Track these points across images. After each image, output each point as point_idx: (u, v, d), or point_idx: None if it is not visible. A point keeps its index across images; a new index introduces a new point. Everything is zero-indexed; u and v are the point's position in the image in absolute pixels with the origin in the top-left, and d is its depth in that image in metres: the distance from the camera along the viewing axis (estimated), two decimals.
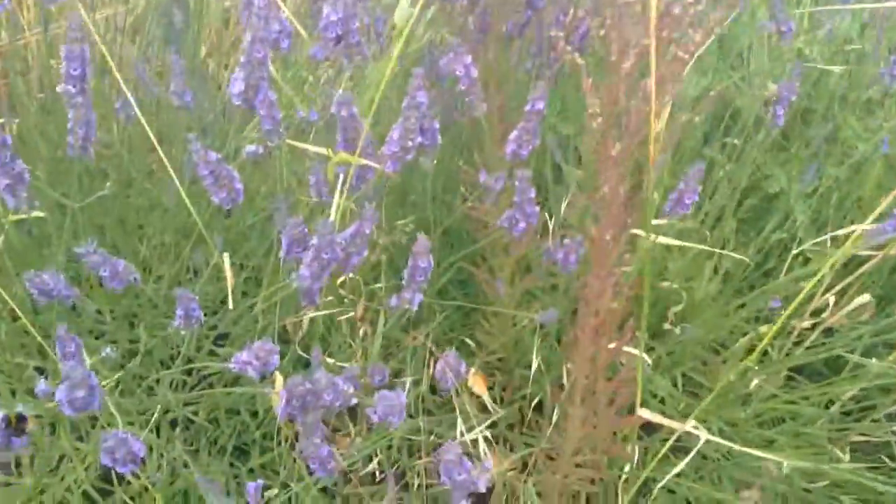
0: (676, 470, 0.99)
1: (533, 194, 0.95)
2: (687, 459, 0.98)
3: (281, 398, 0.72)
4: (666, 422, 0.91)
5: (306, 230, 0.84)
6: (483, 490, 0.62)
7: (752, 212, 1.36)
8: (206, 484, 0.91)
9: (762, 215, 1.36)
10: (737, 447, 1.01)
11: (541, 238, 1.20)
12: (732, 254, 1.21)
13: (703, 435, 0.95)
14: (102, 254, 0.89)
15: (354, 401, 0.73)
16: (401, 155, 0.92)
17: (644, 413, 0.91)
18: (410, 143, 0.91)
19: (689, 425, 0.94)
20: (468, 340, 1.26)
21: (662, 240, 0.89)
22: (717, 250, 1.22)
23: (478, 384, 0.95)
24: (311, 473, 0.79)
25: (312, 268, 0.78)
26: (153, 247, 1.27)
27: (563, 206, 1.07)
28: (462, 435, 0.90)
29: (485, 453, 0.77)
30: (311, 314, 0.99)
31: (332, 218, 0.88)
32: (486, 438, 1.07)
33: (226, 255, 0.93)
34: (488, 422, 1.04)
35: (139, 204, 1.31)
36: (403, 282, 0.89)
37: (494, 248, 1.12)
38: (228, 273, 0.90)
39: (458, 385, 0.88)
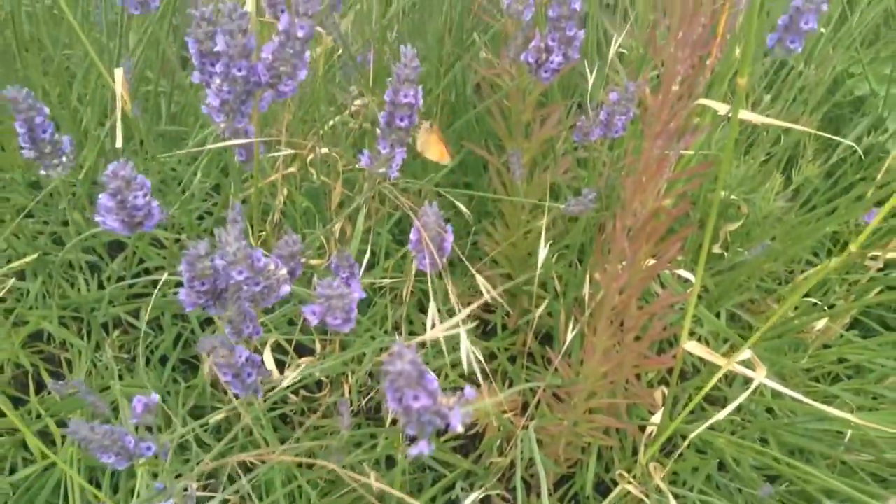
0: (714, 420, 0.75)
1: (578, 4, 0.68)
2: (733, 405, 0.74)
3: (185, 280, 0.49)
4: (721, 360, 0.68)
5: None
6: (458, 429, 0.39)
7: (832, 118, 1.10)
8: None
9: (844, 123, 1.10)
10: (799, 398, 0.75)
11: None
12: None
13: (760, 375, 0.69)
14: None
15: (286, 290, 0.50)
16: None
17: (693, 347, 0.67)
18: None
19: (744, 355, 0.69)
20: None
21: (749, 116, 0.63)
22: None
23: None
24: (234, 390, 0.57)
25: (223, 91, 0.53)
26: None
27: (614, 45, 0.80)
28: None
29: (462, 377, 0.52)
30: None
31: (247, 5, 0.59)
32: (481, 371, 0.85)
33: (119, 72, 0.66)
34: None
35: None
36: (378, 129, 0.63)
37: (512, 126, 0.87)
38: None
39: (442, 267, 0.64)
